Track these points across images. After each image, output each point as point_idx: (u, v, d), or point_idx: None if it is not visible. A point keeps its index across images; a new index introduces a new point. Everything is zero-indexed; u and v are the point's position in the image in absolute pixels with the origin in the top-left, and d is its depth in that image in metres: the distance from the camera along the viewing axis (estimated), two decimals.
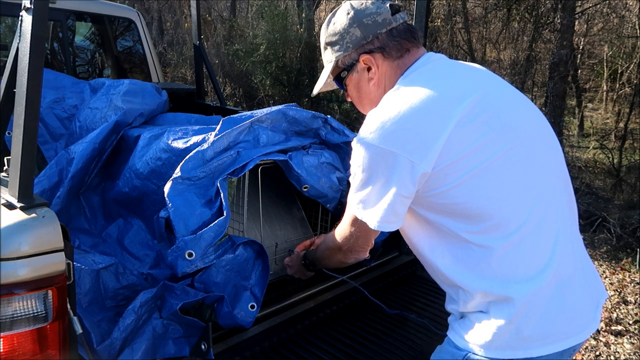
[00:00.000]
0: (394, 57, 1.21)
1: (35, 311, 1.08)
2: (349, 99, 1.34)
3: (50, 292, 1.08)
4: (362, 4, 1.23)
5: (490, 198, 1.05)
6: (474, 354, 1.08)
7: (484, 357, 1.07)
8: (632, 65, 8.24)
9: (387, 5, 1.22)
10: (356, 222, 1.18)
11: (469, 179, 1.04)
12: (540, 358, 1.06)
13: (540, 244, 1.07)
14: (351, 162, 1.12)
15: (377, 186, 1.07)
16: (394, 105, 1.07)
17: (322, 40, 1.31)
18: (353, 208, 1.15)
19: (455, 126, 1.02)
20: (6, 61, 1.27)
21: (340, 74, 1.28)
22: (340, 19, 1.24)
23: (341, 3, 1.30)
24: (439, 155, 1.02)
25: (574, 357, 1.17)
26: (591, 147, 7.32)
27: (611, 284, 4.02)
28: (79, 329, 1.13)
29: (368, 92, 1.26)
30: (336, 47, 1.26)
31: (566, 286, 1.08)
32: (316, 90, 1.38)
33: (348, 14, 1.23)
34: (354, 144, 1.10)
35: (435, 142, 1.02)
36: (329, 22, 1.28)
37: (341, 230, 1.29)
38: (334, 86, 1.36)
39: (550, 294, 1.06)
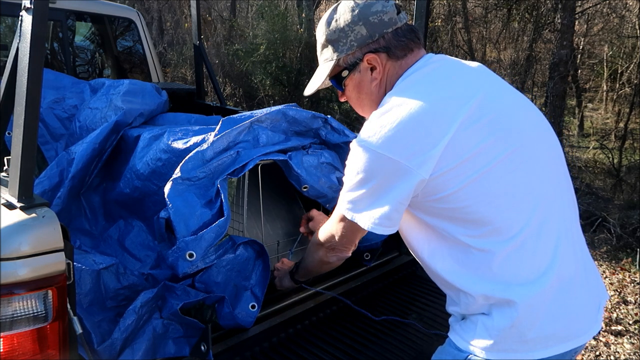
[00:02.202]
0: (398, 57, 1.18)
1: (35, 311, 1.08)
2: (343, 99, 1.30)
3: (50, 292, 1.08)
4: (367, 1, 1.18)
5: (491, 202, 1.04)
6: (475, 356, 1.07)
7: (486, 359, 1.06)
8: (632, 65, 8.24)
9: (393, 3, 1.19)
10: (344, 220, 1.18)
11: (470, 183, 1.03)
12: None
13: (541, 246, 1.06)
14: (347, 162, 1.11)
15: (372, 190, 1.07)
16: (393, 110, 1.05)
17: (321, 37, 1.24)
18: (342, 207, 1.14)
19: (457, 130, 1.01)
20: (6, 61, 1.27)
21: (340, 74, 1.23)
22: (344, 16, 1.19)
23: (337, 6, 1.24)
24: (437, 162, 1.01)
25: (574, 358, 1.17)
26: (591, 147, 7.32)
27: (611, 284, 4.02)
28: (79, 329, 1.13)
29: (369, 93, 1.22)
30: (338, 46, 1.20)
31: (568, 288, 1.08)
32: (310, 90, 1.32)
33: (353, 11, 1.17)
34: (353, 145, 1.09)
35: (434, 149, 1.01)
36: (330, 18, 1.22)
37: (327, 228, 1.28)
38: (328, 84, 1.30)
39: (552, 297, 1.05)
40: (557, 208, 1.11)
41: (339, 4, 1.23)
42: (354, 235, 1.24)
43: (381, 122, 1.05)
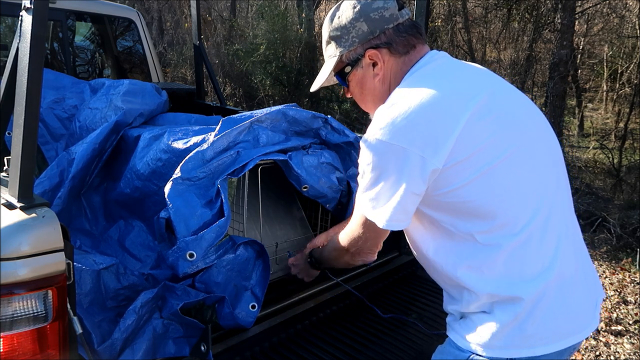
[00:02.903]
0: (401, 53, 1.19)
1: (35, 311, 1.08)
2: (349, 95, 1.31)
3: (50, 292, 1.08)
4: None
5: (498, 197, 1.05)
6: (477, 355, 1.08)
7: (488, 357, 1.06)
8: (632, 65, 8.24)
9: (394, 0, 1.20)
10: (366, 223, 1.15)
11: (478, 177, 1.03)
12: (542, 357, 1.06)
13: (545, 242, 1.07)
14: (360, 161, 1.10)
15: (387, 184, 1.06)
16: (404, 101, 1.06)
17: (325, 34, 1.27)
18: (363, 208, 1.13)
19: (467, 123, 1.02)
20: (6, 61, 1.27)
21: (343, 69, 1.25)
22: (345, 13, 1.21)
23: (340, 3, 1.27)
24: (450, 152, 1.01)
25: (573, 357, 1.17)
26: (591, 147, 7.32)
27: (611, 284, 4.02)
28: (79, 329, 1.12)
29: (372, 89, 1.23)
30: (341, 42, 1.22)
31: (568, 284, 1.09)
32: (316, 85, 1.34)
33: (354, 7, 1.19)
34: (363, 142, 1.08)
35: (448, 139, 1.01)
36: (333, 15, 1.24)
37: (349, 232, 1.26)
38: (334, 81, 1.32)
39: (553, 293, 1.06)
40: (558, 205, 1.13)
41: (342, 2, 1.24)
42: (378, 237, 1.22)
43: (391, 113, 1.05)
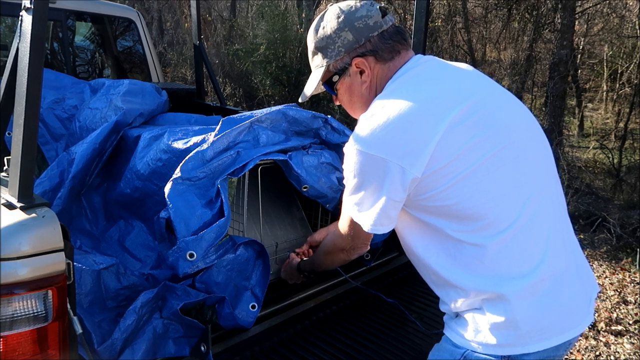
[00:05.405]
0: (386, 60, 1.20)
1: (35, 311, 1.08)
2: (337, 103, 1.32)
3: (50, 292, 1.08)
4: (351, 7, 1.20)
5: (481, 198, 1.06)
6: (472, 351, 1.09)
7: (483, 354, 1.07)
8: (632, 65, 8.25)
9: (377, 7, 1.21)
10: (354, 223, 1.19)
11: (460, 180, 1.04)
12: (537, 353, 1.07)
13: (532, 240, 1.08)
14: (343, 166, 1.13)
15: (368, 191, 1.09)
16: (383, 111, 1.07)
17: (311, 45, 1.28)
18: (349, 210, 1.17)
19: (446, 130, 1.03)
20: (6, 61, 1.27)
21: (331, 79, 1.26)
22: (330, 23, 1.21)
23: (323, 14, 1.27)
24: (429, 160, 1.03)
25: (573, 357, 1.17)
26: (591, 147, 7.33)
27: (611, 284, 4.02)
28: (79, 329, 1.13)
29: (360, 96, 1.25)
30: (327, 52, 1.23)
31: (560, 281, 1.10)
32: (305, 96, 1.35)
33: (338, 17, 1.20)
34: (346, 149, 1.11)
35: (426, 148, 1.02)
36: (318, 26, 1.25)
37: (341, 232, 1.30)
38: (322, 89, 1.33)
39: (545, 289, 1.07)
40: (547, 203, 1.13)
41: (325, 12, 1.25)
42: (368, 234, 1.26)
43: (371, 123, 1.07)
